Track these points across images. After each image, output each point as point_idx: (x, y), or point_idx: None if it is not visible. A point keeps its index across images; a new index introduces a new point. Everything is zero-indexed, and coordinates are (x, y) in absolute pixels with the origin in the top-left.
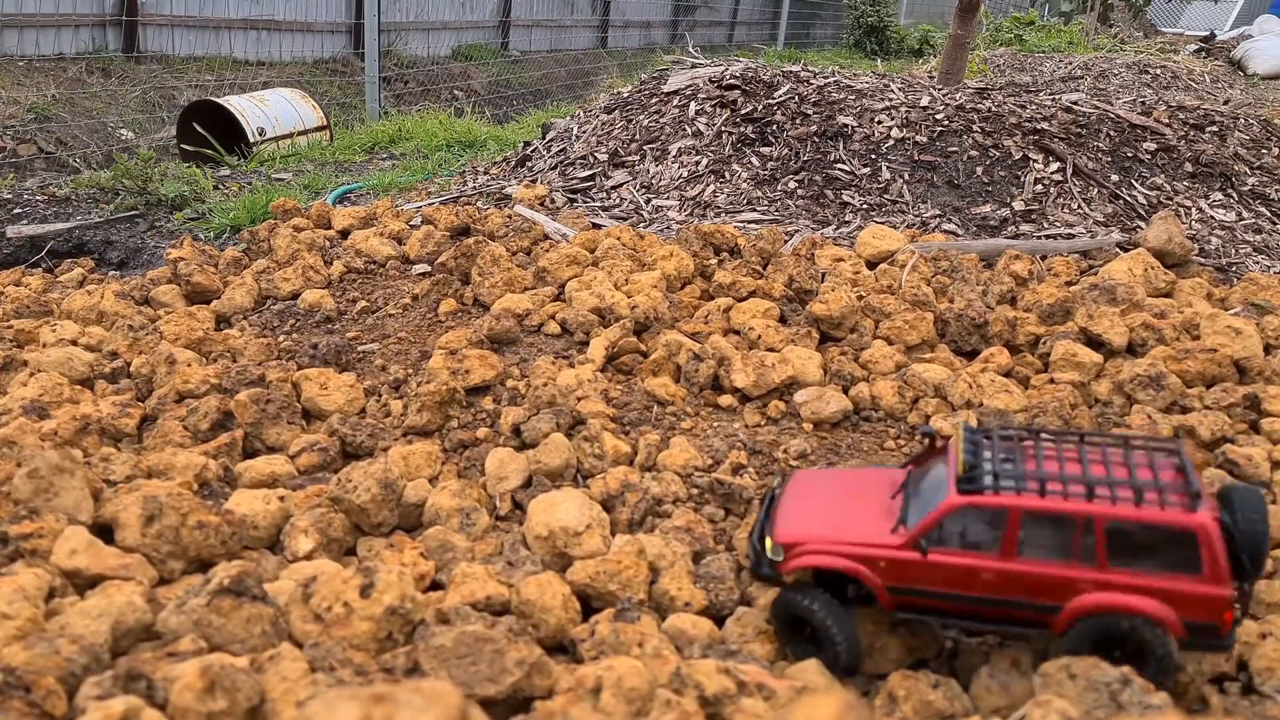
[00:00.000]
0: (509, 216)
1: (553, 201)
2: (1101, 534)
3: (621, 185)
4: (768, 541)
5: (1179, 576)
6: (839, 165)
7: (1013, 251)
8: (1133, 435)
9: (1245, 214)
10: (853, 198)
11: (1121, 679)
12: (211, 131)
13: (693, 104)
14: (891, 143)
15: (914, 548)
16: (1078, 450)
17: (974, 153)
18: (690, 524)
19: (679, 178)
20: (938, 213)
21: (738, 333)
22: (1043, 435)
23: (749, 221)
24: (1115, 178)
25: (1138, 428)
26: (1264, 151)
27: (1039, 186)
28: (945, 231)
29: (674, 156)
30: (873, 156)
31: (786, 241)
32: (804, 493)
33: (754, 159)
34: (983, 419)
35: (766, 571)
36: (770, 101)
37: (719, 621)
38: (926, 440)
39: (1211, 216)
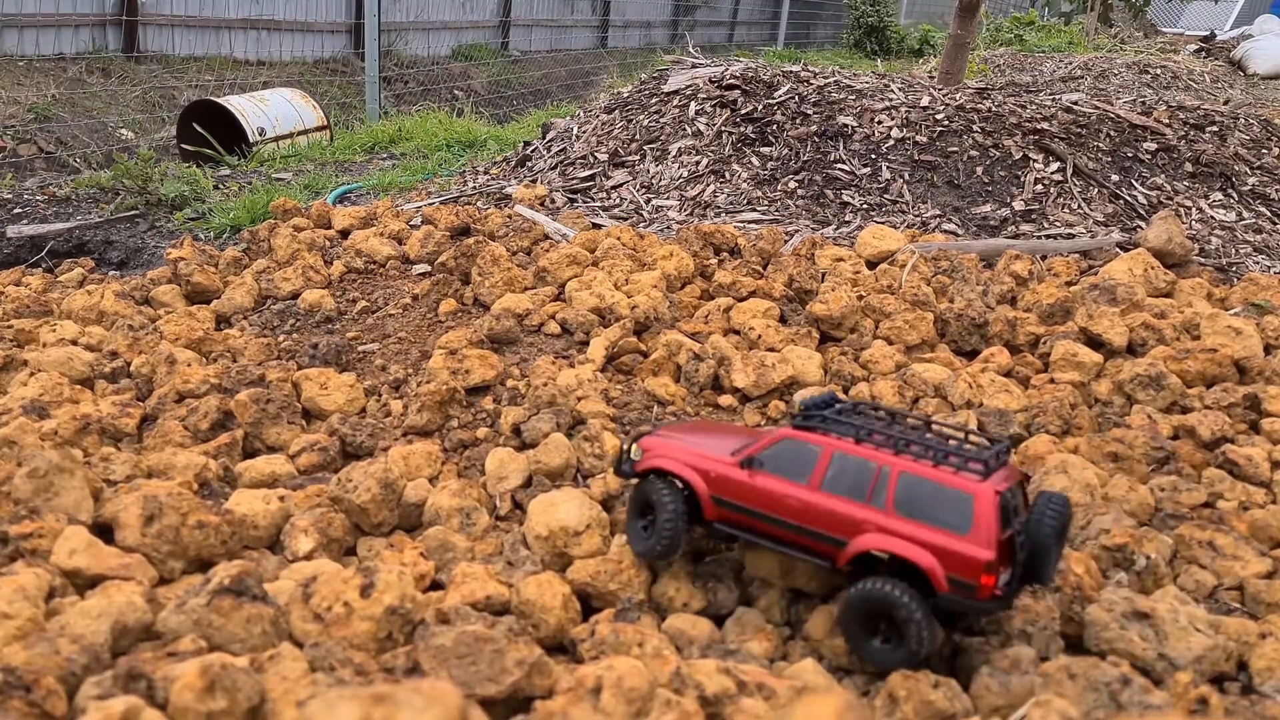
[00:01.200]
0: (509, 216)
1: (553, 201)
2: (894, 484)
3: (622, 185)
4: (634, 447)
5: (951, 534)
6: (839, 165)
7: (1013, 251)
8: (973, 430)
9: (1245, 214)
10: (853, 198)
11: (1121, 679)
12: (212, 131)
13: (693, 104)
14: (892, 143)
15: (742, 465)
16: (914, 428)
17: (974, 153)
18: None
19: (679, 178)
20: (938, 213)
21: (738, 333)
22: (898, 415)
23: (749, 221)
24: (1115, 178)
25: (1138, 428)
26: (1264, 151)
27: (1039, 186)
28: (945, 231)
29: (674, 156)
30: (873, 156)
31: (787, 241)
32: (688, 425)
33: (754, 159)
34: (983, 419)
35: (625, 469)
36: (770, 101)
37: (718, 621)
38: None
39: (1212, 216)
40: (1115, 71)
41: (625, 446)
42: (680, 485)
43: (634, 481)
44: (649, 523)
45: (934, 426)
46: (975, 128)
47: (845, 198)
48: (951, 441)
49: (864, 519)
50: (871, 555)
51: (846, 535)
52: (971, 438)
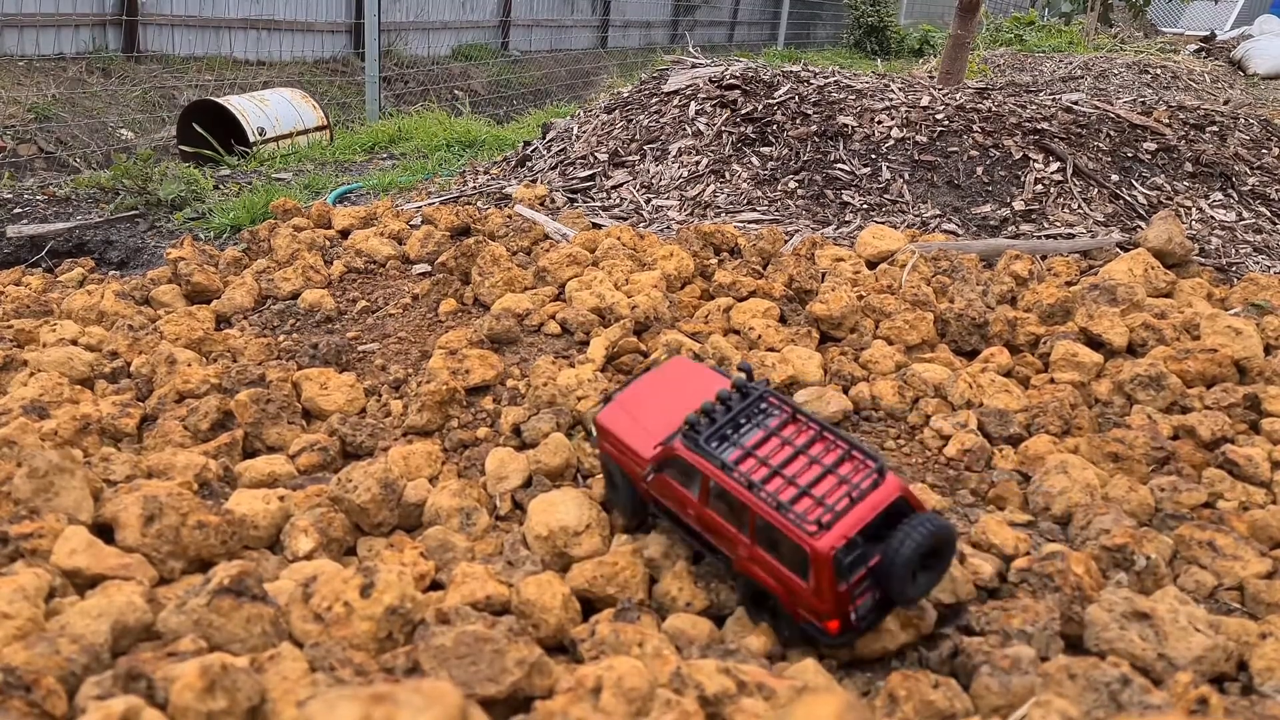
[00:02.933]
0: (509, 216)
1: (553, 201)
2: (752, 520)
3: (622, 185)
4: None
5: (798, 577)
6: (839, 165)
7: (1013, 251)
8: (861, 449)
9: (1245, 214)
10: (853, 198)
11: (1122, 679)
12: (211, 131)
13: (693, 104)
14: (892, 143)
15: (653, 469)
16: (803, 439)
17: (974, 153)
18: None
19: (679, 178)
20: (938, 212)
21: (738, 332)
22: (799, 415)
23: (749, 221)
24: (1115, 178)
25: (1138, 428)
26: (1264, 151)
27: (1039, 186)
28: (945, 231)
29: (674, 156)
30: (873, 156)
31: (787, 241)
32: (648, 387)
33: (754, 159)
34: (983, 419)
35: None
36: (770, 101)
37: (719, 621)
38: (745, 375)
39: (1212, 216)
40: (1115, 71)
41: (594, 418)
42: None
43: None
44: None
45: (824, 434)
46: (975, 128)
47: (845, 198)
48: (828, 460)
49: (738, 540)
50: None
51: (729, 551)
52: (855, 454)
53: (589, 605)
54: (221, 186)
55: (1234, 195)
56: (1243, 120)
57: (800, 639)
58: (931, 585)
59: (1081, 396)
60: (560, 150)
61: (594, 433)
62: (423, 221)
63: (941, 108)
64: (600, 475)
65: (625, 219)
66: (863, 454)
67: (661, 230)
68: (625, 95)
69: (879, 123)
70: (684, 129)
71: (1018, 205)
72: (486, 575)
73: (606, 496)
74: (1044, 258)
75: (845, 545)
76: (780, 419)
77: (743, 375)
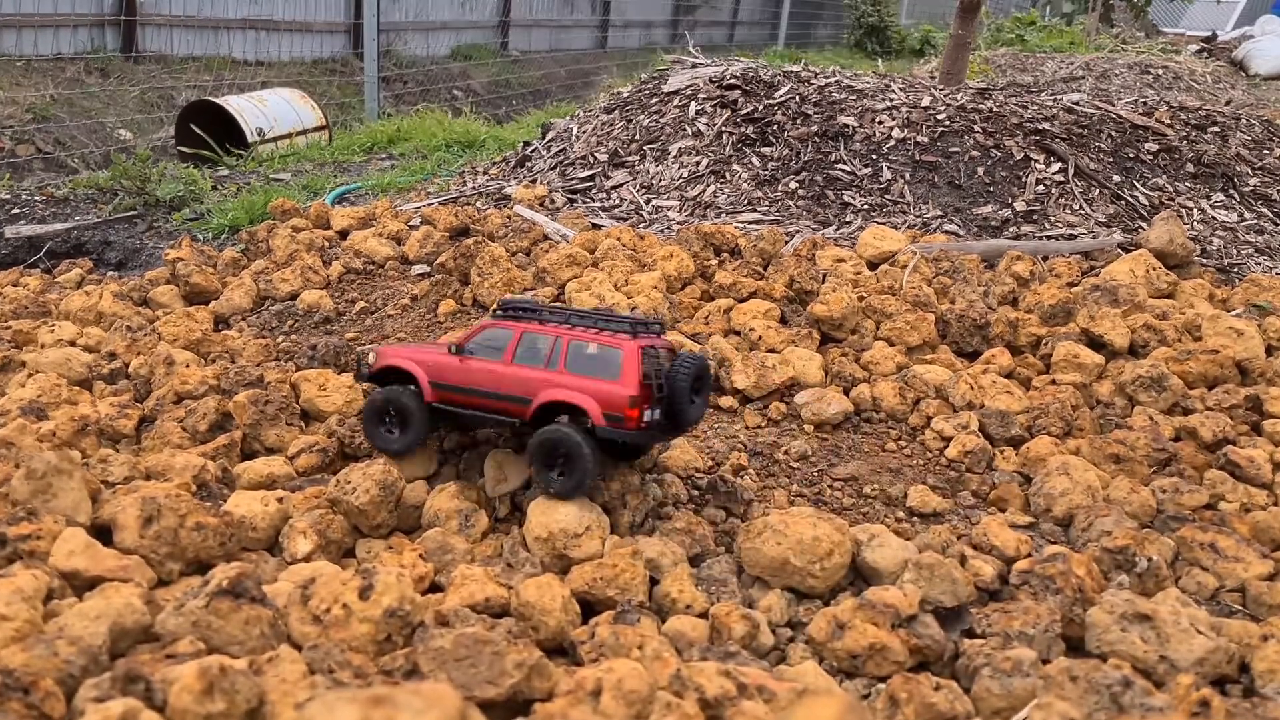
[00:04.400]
0: (508, 217)
1: (552, 202)
2: (566, 351)
3: (621, 185)
4: (370, 354)
5: (606, 381)
6: (840, 166)
7: (1014, 252)
8: (639, 319)
9: (1247, 215)
10: (854, 198)
11: (1123, 681)
12: (210, 132)
13: (693, 104)
14: (893, 143)
15: (453, 352)
16: (584, 317)
17: (975, 153)
18: (691, 526)
19: (679, 178)
20: (939, 213)
21: (738, 334)
22: (573, 312)
23: (749, 222)
24: (1117, 178)
25: (1139, 429)
26: (1266, 152)
27: (1040, 187)
28: (946, 232)
29: (674, 157)
30: (874, 157)
31: (787, 242)
32: (410, 344)
33: (754, 159)
34: (984, 420)
35: (364, 374)
36: (771, 102)
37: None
38: (501, 309)
39: (1213, 217)
40: (1117, 72)
41: (359, 357)
42: (413, 388)
43: (367, 387)
44: (391, 424)
45: (600, 312)
46: (976, 128)
47: (846, 198)
48: (614, 321)
49: (544, 379)
50: (550, 408)
51: (532, 394)
52: (635, 315)
53: (589, 607)
54: (220, 187)
55: (1236, 196)
56: (1244, 121)
57: (581, 480)
58: (702, 413)
59: (1083, 398)
60: (560, 150)
61: (361, 366)
62: (422, 222)
63: (943, 108)
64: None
65: (625, 219)
66: (644, 319)
67: (661, 231)
68: (625, 95)
69: (880, 123)
70: (684, 129)
71: (1019, 206)
72: (486, 577)
73: (374, 437)
74: (1045, 258)
75: (645, 349)
76: (568, 313)
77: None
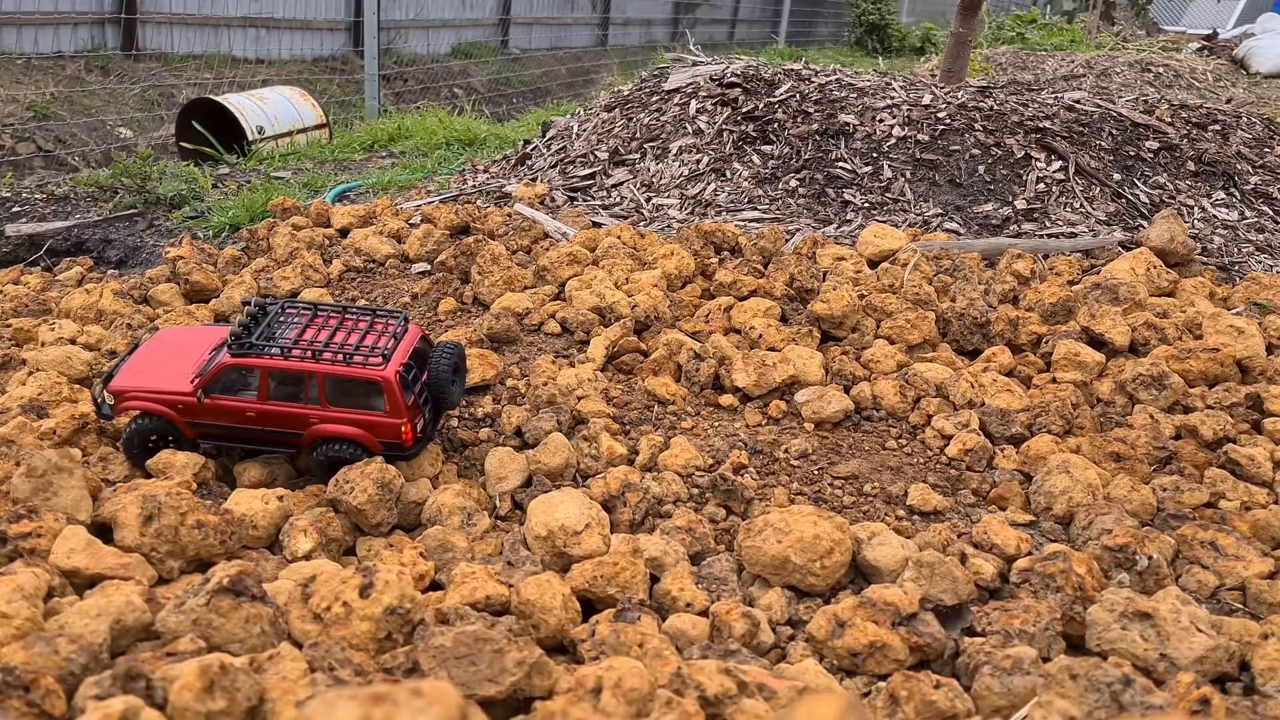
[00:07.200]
0: (509, 215)
1: (553, 200)
2: (322, 385)
3: (622, 184)
4: (104, 393)
5: (374, 412)
6: (840, 164)
7: (1015, 250)
8: (374, 311)
9: (1248, 213)
10: (854, 196)
11: (1123, 679)
12: (210, 130)
13: (694, 102)
14: (893, 141)
15: (201, 399)
16: (334, 321)
17: (976, 151)
18: (691, 524)
19: (680, 176)
20: (939, 211)
21: (739, 332)
22: (320, 309)
23: (750, 220)
24: (1117, 176)
25: (1140, 428)
26: (1266, 150)
27: (1041, 185)
28: (947, 230)
29: (675, 155)
30: (874, 155)
31: (788, 240)
32: (149, 349)
33: (755, 157)
34: (984, 419)
35: (106, 413)
36: (771, 100)
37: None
38: (248, 309)
39: (1214, 215)
40: (1117, 70)
41: (96, 393)
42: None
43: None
44: (157, 449)
45: (348, 314)
46: (977, 126)
47: (847, 196)
48: (361, 327)
49: (308, 414)
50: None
51: (300, 429)
52: (380, 316)
53: (589, 605)
54: (220, 185)
55: (1236, 194)
56: (1245, 119)
57: None
58: (462, 392)
59: (1083, 396)
60: (560, 149)
61: (100, 404)
62: (422, 220)
63: (943, 106)
64: (599, 477)
65: (626, 217)
66: (387, 314)
67: (662, 229)
68: (626, 93)
69: (880, 121)
70: (685, 127)
71: (1020, 204)
72: (486, 575)
73: (134, 460)
74: (1046, 257)
75: (403, 369)
76: (308, 315)
77: (249, 306)
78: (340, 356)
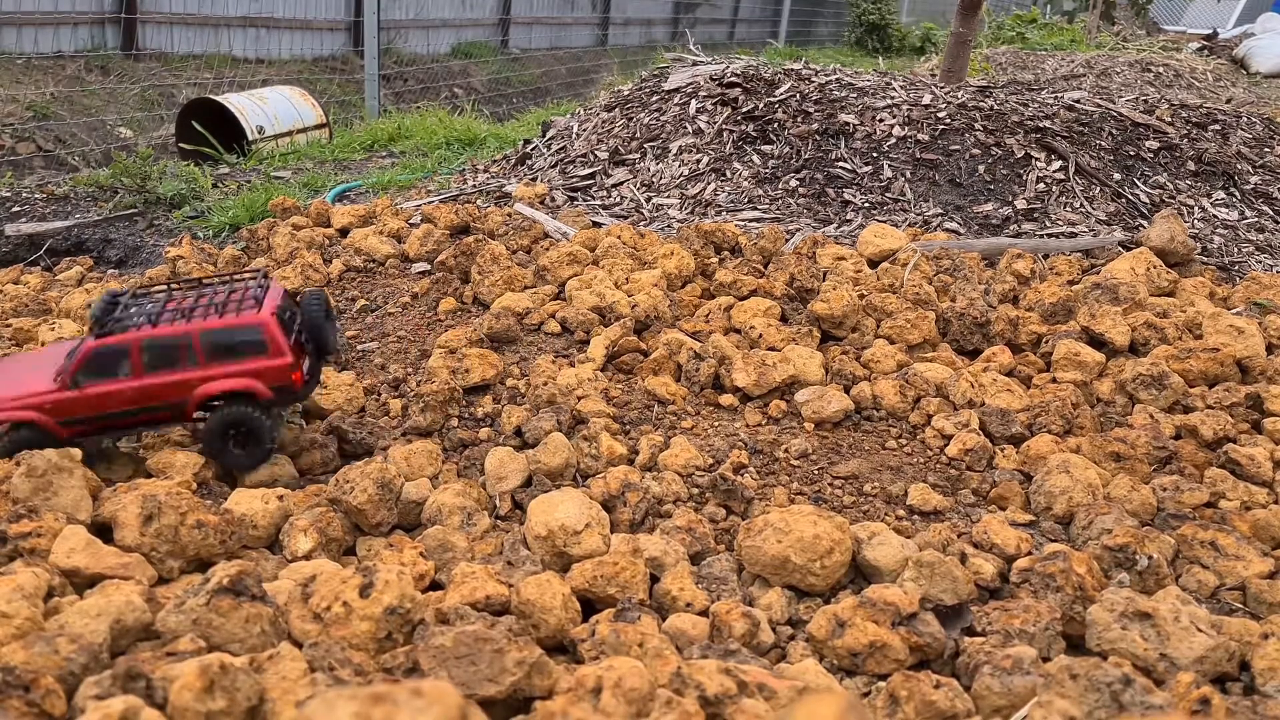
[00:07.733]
0: (509, 215)
1: (553, 200)
2: (199, 344)
3: (622, 183)
4: None
5: (258, 358)
6: (840, 163)
7: (1015, 250)
8: (237, 274)
9: (1248, 213)
10: (854, 196)
11: (1123, 679)
12: (210, 129)
13: (694, 102)
14: (893, 141)
15: (70, 387)
16: (194, 292)
17: (976, 151)
18: (691, 524)
19: (680, 176)
20: (940, 211)
21: (739, 332)
22: (174, 284)
23: (750, 220)
24: (1118, 176)
25: (1140, 427)
26: (1267, 150)
27: (1041, 185)
28: (947, 230)
29: (675, 154)
30: (874, 155)
31: (788, 240)
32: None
33: (755, 157)
34: (984, 418)
35: None
36: (771, 99)
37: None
38: (98, 302)
39: (1214, 215)
40: (1117, 70)
41: None
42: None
43: None
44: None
45: (204, 283)
46: (977, 126)
47: (847, 196)
48: (221, 290)
49: (190, 379)
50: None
51: (184, 396)
52: (235, 280)
53: (589, 605)
54: (220, 185)
55: (1236, 194)
56: (1245, 119)
57: (269, 449)
58: (336, 333)
59: (1084, 396)
60: (560, 148)
61: None
62: (422, 220)
63: (943, 106)
64: (599, 477)
65: (626, 217)
66: (245, 275)
67: (662, 229)
68: (626, 93)
69: (880, 121)
70: (685, 127)
71: (1020, 204)
72: (486, 575)
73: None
74: (1046, 256)
75: (277, 310)
76: (164, 293)
77: (102, 302)
78: (212, 311)
